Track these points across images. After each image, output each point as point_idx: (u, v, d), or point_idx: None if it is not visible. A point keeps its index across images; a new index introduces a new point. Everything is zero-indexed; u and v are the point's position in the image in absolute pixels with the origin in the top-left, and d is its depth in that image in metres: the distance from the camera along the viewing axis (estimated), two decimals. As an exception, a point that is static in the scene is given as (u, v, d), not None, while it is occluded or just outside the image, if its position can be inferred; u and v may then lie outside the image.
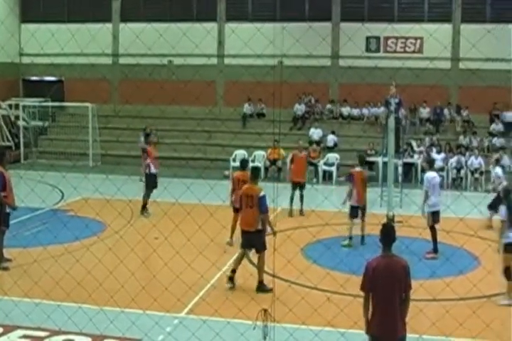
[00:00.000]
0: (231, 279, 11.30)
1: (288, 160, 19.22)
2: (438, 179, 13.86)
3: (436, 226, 13.40)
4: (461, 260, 12.49)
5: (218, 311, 9.35)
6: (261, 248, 11.14)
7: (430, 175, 13.77)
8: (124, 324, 8.96)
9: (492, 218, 15.36)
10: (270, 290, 10.40)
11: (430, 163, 14.53)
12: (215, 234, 12.19)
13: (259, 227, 11.14)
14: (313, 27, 29.00)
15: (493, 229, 14.75)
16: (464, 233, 14.10)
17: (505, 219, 10.65)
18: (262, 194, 11.15)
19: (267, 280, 10.76)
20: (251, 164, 24.77)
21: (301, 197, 17.62)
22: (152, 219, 15.78)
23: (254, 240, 11.17)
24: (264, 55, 28.09)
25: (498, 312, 9.15)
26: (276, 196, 9.31)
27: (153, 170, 17.42)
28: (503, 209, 10.78)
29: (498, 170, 17.46)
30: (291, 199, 17.45)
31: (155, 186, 17.13)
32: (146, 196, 17.21)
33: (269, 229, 11.43)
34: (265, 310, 7.64)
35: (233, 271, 11.33)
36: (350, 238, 14.23)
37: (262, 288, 11.02)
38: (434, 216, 13.43)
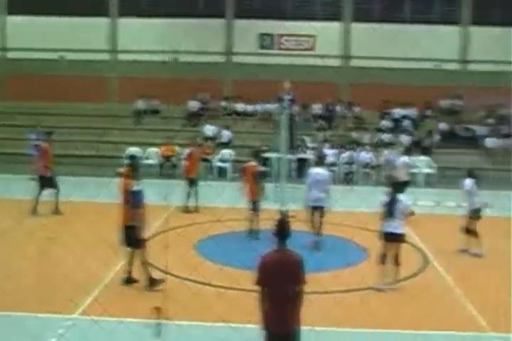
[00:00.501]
0: (128, 281, 11.08)
1: (183, 156, 19.00)
2: (322, 175, 14.08)
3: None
4: (351, 252, 12.82)
5: (111, 311, 9.19)
6: (136, 245, 10.71)
7: (313, 170, 14.16)
8: (14, 327, 8.67)
9: None
10: (162, 282, 10.43)
11: (319, 159, 14.88)
12: (108, 233, 11.98)
13: (135, 223, 10.71)
14: (207, 23, 29.16)
15: None
16: (353, 226, 14.51)
17: (385, 209, 11.04)
18: (134, 188, 10.76)
19: (159, 276, 10.66)
20: (145, 161, 24.69)
21: (196, 193, 17.59)
22: (43, 219, 15.37)
23: (129, 236, 10.73)
24: (157, 51, 28.05)
25: (385, 301, 9.44)
26: (170, 193, 9.21)
27: (47, 173, 16.59)
28: (384, 198, 11.15)
29: (405, 158, 17.94)
30: (188, 195, 17.38)
31: (50, 186, 16.47)
32: (38, 195, 16.61)
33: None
34: (158, 308, 7.57)
35: (129, 273, 11.08)
36: (252, 231, 14.36)
37: (152, 283, 10.62)
38: (315, 210, 13.77)
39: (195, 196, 17.51)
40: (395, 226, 11.08)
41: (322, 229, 13.78)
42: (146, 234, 12.82)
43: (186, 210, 17.22)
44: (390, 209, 11.06)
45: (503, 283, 10.88)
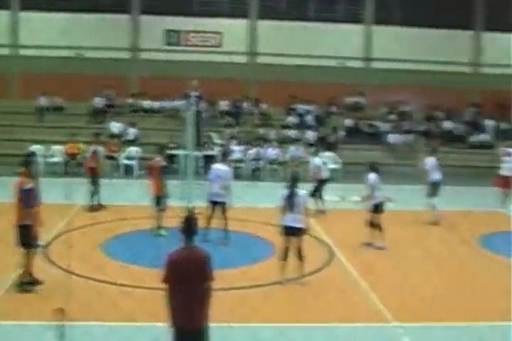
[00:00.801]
0: (31, 283, 10.69)
1: (88, 154, 18.38)
2: (223, 171, 14.21)
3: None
4: (257, 248, 12.89)
5: (12, 314, 8.90)
6: (25, 245, 10.33)
7: (215, 166, 14.46)
8: None
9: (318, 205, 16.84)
10: (37, 283, 10.22)
11: (223, 155, 15.06)
12: (6, 233, 11.59)
13: (27, 222, 10.31)
14: (112, 19, 28.67)
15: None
16: (260, 221, 14.61)
17: (285, 203, 11.15)
18: (26, 187, 10.39)
19: (62, 277, 10.38)
20: (48, 160, 24.07)
21: (99, 191, 17.20)
22: None
23: (22, 236, 10.32)
24: (59, 47, 27.36)
25: (292, 296, 9.53)
26: (73, 192, 8.97)
27: None
28: (284, 192, 11.28)
29: (317, 160, 18.12)
30: (92, 193, 17.03)
31: None
32: None
33: None
34: (61, 309, 7.38)
35: (29, 275, 10.69)
36: (159, 227, 14.21)
37: (26, 285, 10.31)
38: (216, 205, 13.92)
39: (98, 194, 17.15)
40: (295, 221, 11.21)
41: (227, 225, 13.84)
42: (49, 233, 12.53)
43: (91, 209, 16.87)
44: (289, 204, 11.19)
45: (405, 274, 11.19)
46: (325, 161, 18.60)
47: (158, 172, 14.54)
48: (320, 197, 17.46)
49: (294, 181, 11.54)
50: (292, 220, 11.21)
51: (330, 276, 11.28)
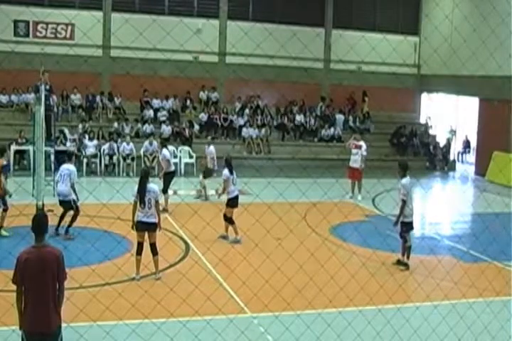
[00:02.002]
0: None
1: None
2: (68, 170, 14.66)
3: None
4: (110, 244, 12.70)
5: None
6: None
7: (63, 166, 15.00)
8: None
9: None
10: None
11: (68, 156, 15.00)
12: None
13: None
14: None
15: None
16: (111, 217, 14.39)
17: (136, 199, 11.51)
18: None
19: None
20: None
21: None
22: None
23: None
24: None
25: (146, 292, 9.49)
26: None
27: None
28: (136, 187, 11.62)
29: (165, 151, 18.05)
30: None
31: None
32: None
33: None
34: None
35: None
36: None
37: None
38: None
39: None
40: (147, 216, 11.37)
41: (73, 222, 14.05)
42: None
43: None
44: (141, 199, 11.32)
45: (257, 266, 11.44)
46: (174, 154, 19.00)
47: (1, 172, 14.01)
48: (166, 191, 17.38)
49: (145, 176, 11.55)
50: (144, 215, 11.24)
51: (185, 270, 11.30)
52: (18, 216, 12.48)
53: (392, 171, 17.52)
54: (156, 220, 11.48)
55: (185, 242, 14.13)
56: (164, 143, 19.03)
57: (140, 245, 11.40)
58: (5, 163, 14.00)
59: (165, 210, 16.41)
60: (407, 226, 12.82)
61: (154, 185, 11.76)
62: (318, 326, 9.11)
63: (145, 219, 11.37)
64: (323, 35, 31.75)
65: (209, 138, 22.62)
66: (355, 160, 20.54)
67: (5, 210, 13.74)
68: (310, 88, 30.06)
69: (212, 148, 20.08)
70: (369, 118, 31.37)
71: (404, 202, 12.63)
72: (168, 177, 17.60)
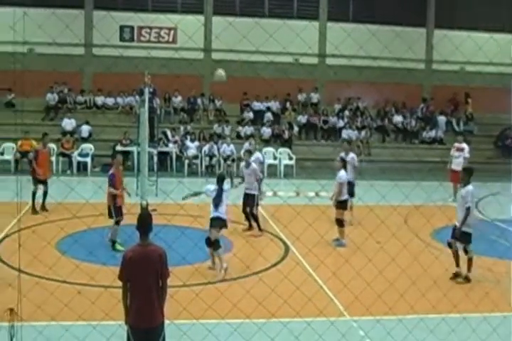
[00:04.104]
0: None
1: (31, 155, 17.65)
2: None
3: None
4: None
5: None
6: None
7: (253, 166, 15.31)
8: None
9: None
10: None
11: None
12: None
13: None
14: (63, 14, 28.21)
15: None
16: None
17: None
18: None
19: (13, 276, 10.21)
20: (0, 157, 23.68)
21: (45, 193, 16.70)
22: None
23: None
24: (8, 42, 26.77)
25: (247, 291, 9.54)
26: (20, 189, 8.83)
27: None
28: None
29: (258, 154, 17.95)
30: (34, 195, 16.46)
31: None
32: None
33: None
34: (11, 310, 7.26)
35: None
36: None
37: None
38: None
39: (45, 195, 16.68)
40: (222, 213, 12.02)
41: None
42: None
43: (34, 211, 16.34)
44: (218, 198, 12.05)
45: (359, 269, 11.30)
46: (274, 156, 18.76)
47: None
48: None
49: (221, 181, 12.35)
50: (220, 212, 12.05)
51: (285, 272, 11.30)
52: (129, 214, 12.89)
53: (497, 174, 17.00)
54: (226, 217, 12.15)
55: (285, 244, 14.12)
56: (260, 145, 18.94)
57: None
58: (112, 171, 14.23)
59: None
60: (468, 237, 12.03)
61: (227, 185, 12.32)
62: (420, 332, 8.90)
63: (220, 216, 11.93)
64: (425, 35, 31.13)
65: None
66: (458, 163, 19.98)
67: (118, 222, 13.68)
68: (411, 89, 29.57)
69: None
70: (472, 119, 30.51)
71: (469, 209, 12.01)
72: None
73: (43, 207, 16.58)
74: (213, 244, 11.86)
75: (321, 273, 11.88)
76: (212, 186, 12.38)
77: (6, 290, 9.08)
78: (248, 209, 15.06)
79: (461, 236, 11.91)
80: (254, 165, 15.53)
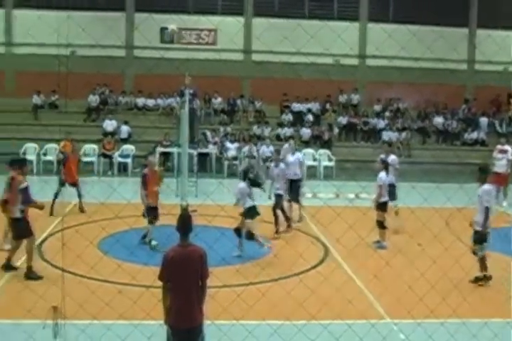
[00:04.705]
0: (8, 267, 11.28)
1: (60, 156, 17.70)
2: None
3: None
4: (253, 246, 12.89)
5: (6, 313, 8.89)
6: (22, 234, 11.25)
7: (282, 166, 15.36)
8: None
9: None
10: (39, 278, 10.92)
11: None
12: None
13: (18, 216, 11.22)
14: (106, 17, 28.58)
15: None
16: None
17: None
18: (22, 186, 11.20)
19: (57, 275, 10.37)
20: (43, 158, 24.02)
21: (79, 195, 16.76)
22: None
23: (14, 227, 11.34)
24: (53, 45, 27.25)
25: (287, 293, 9.54)
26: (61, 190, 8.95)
27: None
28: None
29: (298, 155, 17.78)
30: (56, 196, 16.29)
31: None
32: None
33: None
34: (54, 308, 7.37)
35: (8, 259, 11.36)
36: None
37: (29, 275, 11.06)
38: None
39: (80, 197, 16.78)
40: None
41: None
42: (43, 231, 12.61)
43: (51, 213, 16.05)
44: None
45: (400, 271, 11.21)
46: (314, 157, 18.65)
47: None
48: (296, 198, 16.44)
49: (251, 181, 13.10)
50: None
51: (325, 273, 11.27)
52: (163, 215, 13.01)
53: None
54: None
55: (325, 246, 14.07)
56: (299, 146, 18.83)
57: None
58: (145, 171, 14.35)
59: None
60: (483, 237, 11.73)
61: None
62: (462, 336, 8.79)
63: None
64: (467, 35, 30.76)
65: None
66: (501, 165, 19.69)
67: (151, 222, 13.73)
68: (453, 90, 29.25)
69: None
70: (516, 121, 30.05)
71: (488, 209, 11.63)
72: (295, 185, 16.40)
73: (81, 209, 16.72)
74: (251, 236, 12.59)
75: (361, 275, 11.81)
76: (242, 184, 12.97)
77: (50, 288, 9.21)
78: (278, 209, 15.09)
79: (474, 234, 11.71)
80: (282, 165, 15.48)
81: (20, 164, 11.76)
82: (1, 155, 22.94)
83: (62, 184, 16.54)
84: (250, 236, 12.66)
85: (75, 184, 16.86)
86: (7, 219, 11.66)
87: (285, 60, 24.70)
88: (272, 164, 16.08)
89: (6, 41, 29.72)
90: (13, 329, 8.35)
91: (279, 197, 15.09)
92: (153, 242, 13.43)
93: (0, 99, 28.24)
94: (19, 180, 11.24)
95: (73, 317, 8.06)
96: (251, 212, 12.82)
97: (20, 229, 11.23)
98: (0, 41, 29.45)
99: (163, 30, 30.08)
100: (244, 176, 13.17)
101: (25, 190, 11.21)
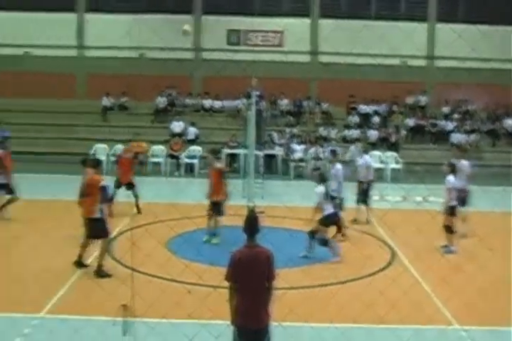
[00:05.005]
0: (80, 264, 11.38)
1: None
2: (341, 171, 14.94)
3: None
4: (320, 248, 12.86)
5: (78, 309, 9.11)
6: (100, 235, 11.32)
7: (337, 166, 14.97)
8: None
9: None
10: (108, 276, 11.01)
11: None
12: (74, 230, 11.88)
13: (97, 216, 11.29)
14: (174, 19, 28.98)
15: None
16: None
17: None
18: (102, 184, 11.34)
19: (126, 274, 10.58)
20: (112, 158, 24.44)
21: (136, 195, 16.76)
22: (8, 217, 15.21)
23: (91, 228, 11.32)
24: (123, 47, 27.84)
25: (354, 295, 9.49)
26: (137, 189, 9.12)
27: (2, 180, 15.50)
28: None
29: (367, 157, 17.52)
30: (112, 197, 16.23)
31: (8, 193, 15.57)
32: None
33: None
34: (124, 305, 7.51)
35: (79, 257, 11.42)
36: (215, 234, 14.12)
37: (99, 272, 11.18)
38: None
39: (136, 198, 16.76)
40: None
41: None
42: (114, 230, 12.85)
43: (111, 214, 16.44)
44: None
45: (467, 277, 11.01)
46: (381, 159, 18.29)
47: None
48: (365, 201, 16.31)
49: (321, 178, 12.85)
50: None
51: (392, 277, 11.17)
52: (229, 216, 13.11)
53: None
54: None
55: (392, 249, 13.92)
56: (366, 148, 18.63)
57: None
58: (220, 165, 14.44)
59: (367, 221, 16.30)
60: None
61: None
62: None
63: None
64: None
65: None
66: None
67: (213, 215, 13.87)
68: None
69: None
70: None
71: None
72: (363, 188, 16.29)
73: (138, 210, 16.81)
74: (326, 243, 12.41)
75: (428, 279, 11.63)
76: (320, 187, 12.62)
77: (119, 286, 9.40)
78: None
79: None
80: (339, 165, 15.32)
81: (95, 163, 11.94)
82: (72, 156, 23.66)
83: (117, 185, 16.63)
84: (324, 242, 12.53)
85: (130, 184, 17.01)
86: (83, 220, 11.63)
87: (351, 62, 24.61)
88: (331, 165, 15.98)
89: (77, 44, 30.45)
90: (84, 325, 8.54)
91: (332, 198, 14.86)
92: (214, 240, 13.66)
93: (71, 100, 28.97)
94: (97, 178, 11.40)
95: (143, 315, 8.21)
96: (328, 221, 12.62)
97: (98, 230, 11.28)
98: (72, 44, 30.16)
99: (230, 32, 30.36)
100: (321, 179, 12.91)
101: (104, 188, 11.36)
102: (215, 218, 13.86)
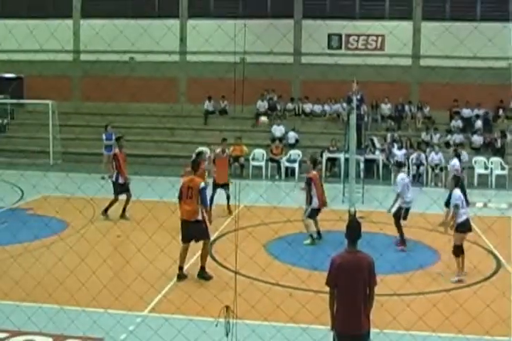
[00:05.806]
0: (180, 277, 11.43)
1: (209, 159, 17.95)
2: (407, 179, 14.27)
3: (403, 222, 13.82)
4: (421, 254, 12.65)
5: (181, 309, 9.30)
6: (202, 237, 11.48)
7: (401, 176, 14.12)
8: (86, 323, 8.86)
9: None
10: (210, 278, 11.27)
11: (398, 165, 14.81)
12: (177, 231, 12.12)
13: (199, 218, 11.46)
14: (275, 24, 29.14)
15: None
16: (424, 227, 14.31)
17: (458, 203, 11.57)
18: (202, 186, 11.44)
19: (229, 276, 10.74)
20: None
21: (228, 196, 16.96)
22: (114, 217, 15.70)
23: (193, 230, 11.42)
24: (225, 52, 28.18)
25: (459, 305, 9.26)
26: (239, 192, 9.24)
27: (120, 180, 16.29)
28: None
29: (456, 161, 17.23)
30: (212, 200, 16.39)
31: (123, 192, 16.30)
32: (114, 201, 16.31)
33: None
34: (227, 307, 7.62)
35: (180, 269, 11.48)
36: (312, 236, 14.15)
37: (202, 274, 11.40)
38: (405, 212, 13.83)
39: (228, 199, 16.92)
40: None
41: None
42: (215, 232, 13.04)
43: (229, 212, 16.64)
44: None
45: None
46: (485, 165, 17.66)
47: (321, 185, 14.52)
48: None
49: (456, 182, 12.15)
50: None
51: (497, 286, 10.83)
52: (329, 221, 13.07)
53: None
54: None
55: (497, 258, 13.49)
56: (458, 151, 18.11)
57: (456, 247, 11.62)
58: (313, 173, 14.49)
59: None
60: None
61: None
62: None
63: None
64: None
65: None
66: None
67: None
68: None
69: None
70: None
71: None
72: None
73: (229, 210, 16.96)
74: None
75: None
76: (457, 190, 12.02)
77: (222, 288, 9.56)
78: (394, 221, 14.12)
79: None
80: (403, 175, 14.56)
81: (195, 165, 12.09)
82: (176, 159, 24.23)
83: (214, 186, 16.86)
84: (457, 253, 11.78)
85: (225, 185, 17.13)
86: (182, 222, 11.72)
87: (454, 65, 24.05)
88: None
89: (180, 50, 31.14)
90: (187, 324, 8.70)
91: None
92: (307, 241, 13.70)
93: (174, 104, 29.64)
94: (198, 180, 11.55)
95: (244, 317, 8.29)
96: (464, 228, 11.85)
97: (200, 232, 11.42)
98: (175, 50, 30.86)
99: (330, 36, 30.28)
100: (457, 183, 12.28)
101: (203, 190, 11.48)
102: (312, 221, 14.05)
